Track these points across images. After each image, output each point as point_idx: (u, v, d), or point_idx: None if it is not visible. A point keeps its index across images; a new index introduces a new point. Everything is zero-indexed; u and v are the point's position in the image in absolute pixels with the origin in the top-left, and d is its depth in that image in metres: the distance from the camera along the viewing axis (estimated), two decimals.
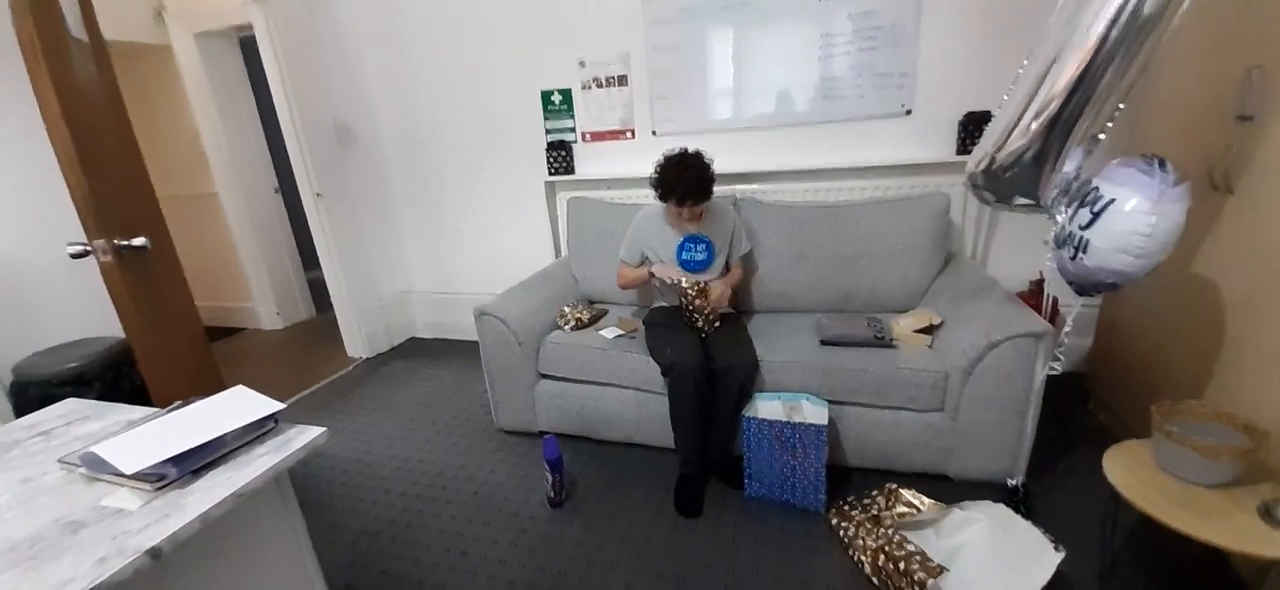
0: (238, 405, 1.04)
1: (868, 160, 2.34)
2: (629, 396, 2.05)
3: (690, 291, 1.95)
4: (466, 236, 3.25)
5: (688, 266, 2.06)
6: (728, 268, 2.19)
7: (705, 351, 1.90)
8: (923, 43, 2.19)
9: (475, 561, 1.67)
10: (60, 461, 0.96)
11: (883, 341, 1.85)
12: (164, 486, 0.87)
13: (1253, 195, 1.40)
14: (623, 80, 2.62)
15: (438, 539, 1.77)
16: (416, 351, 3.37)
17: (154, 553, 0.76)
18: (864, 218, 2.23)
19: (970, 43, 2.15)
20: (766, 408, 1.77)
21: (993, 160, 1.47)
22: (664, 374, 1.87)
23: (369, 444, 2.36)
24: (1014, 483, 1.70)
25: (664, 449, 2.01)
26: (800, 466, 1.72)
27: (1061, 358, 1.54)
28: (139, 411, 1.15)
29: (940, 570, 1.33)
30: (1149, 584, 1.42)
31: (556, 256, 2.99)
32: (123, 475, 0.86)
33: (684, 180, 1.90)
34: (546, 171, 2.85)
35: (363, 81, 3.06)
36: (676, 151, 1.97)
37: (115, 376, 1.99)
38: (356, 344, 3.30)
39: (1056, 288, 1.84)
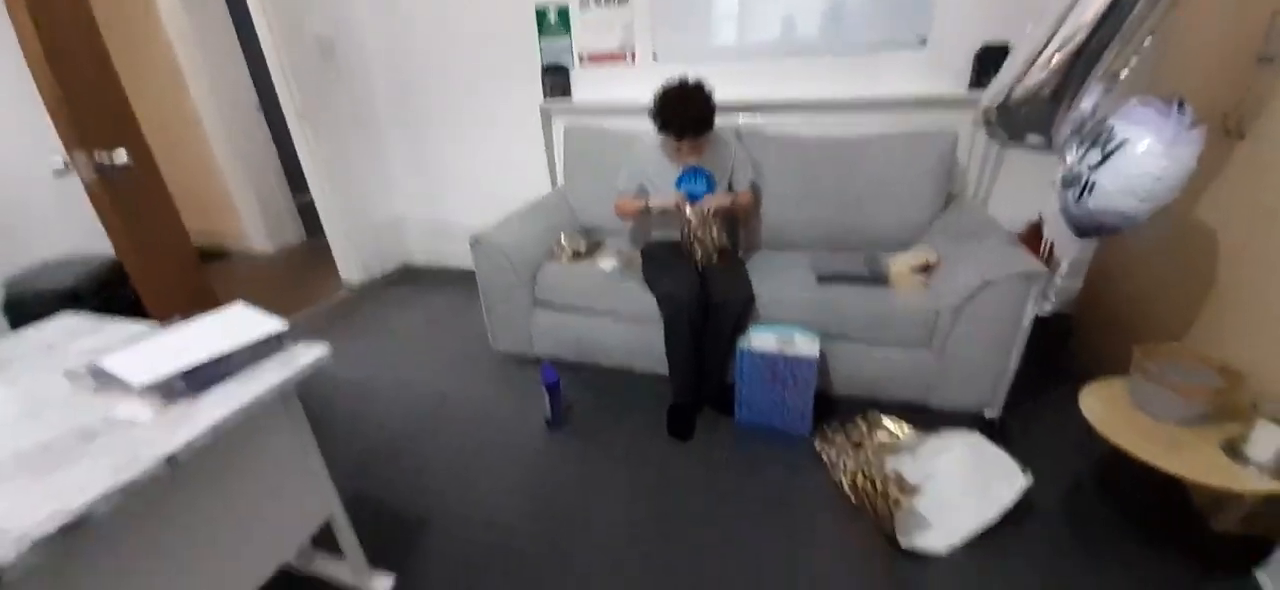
0: (240, 322, 1.05)
1: (877, 93, 2.27)
2: (625, 326, 2.08)
3: (691, 220, 1.93)
4: (460, 162, 3.16)
5: (689, 198, 2.03)
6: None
7: (702, 285, 1.91)
8: None
9: (476, 475, 1.74)
10: (66, 373, 0.97)
11: (878, 279, 1.87)
12: (174, 399, 0.88)
13: (1265, 141, 1.39)
14: None
15: (439, 455, 1.84)
16: (411, 278, 3.37)
17: (171, 460, 0.78)
18: (868, 153, 2.20)
19: None
20: (760, 340, 1.80)
21: (1009, 96, 1.43)
22: (660, 306, 1.89)
23: (368, 366, 2.39)
24: (991, 415, 1.77)
25: (658, 376, 2.06)
26: (790, 396, 1.77)
27: (1052, 299, 1.57)
28: (139, 326, 1.15)
29: (914, 490, 1.40)
30: (1110, 511, 1.51)
31: (553, 185, 2.94)
32: (132, 387, 0.87)
33: (684, 114, 1.85)
34: (542, 95, 2.75)
35: None
36: (676, 81, 1.90)
37: (109, 294, 1.98)
38: (351, 269, 3.28)
39: (1055, 230, 1.85)
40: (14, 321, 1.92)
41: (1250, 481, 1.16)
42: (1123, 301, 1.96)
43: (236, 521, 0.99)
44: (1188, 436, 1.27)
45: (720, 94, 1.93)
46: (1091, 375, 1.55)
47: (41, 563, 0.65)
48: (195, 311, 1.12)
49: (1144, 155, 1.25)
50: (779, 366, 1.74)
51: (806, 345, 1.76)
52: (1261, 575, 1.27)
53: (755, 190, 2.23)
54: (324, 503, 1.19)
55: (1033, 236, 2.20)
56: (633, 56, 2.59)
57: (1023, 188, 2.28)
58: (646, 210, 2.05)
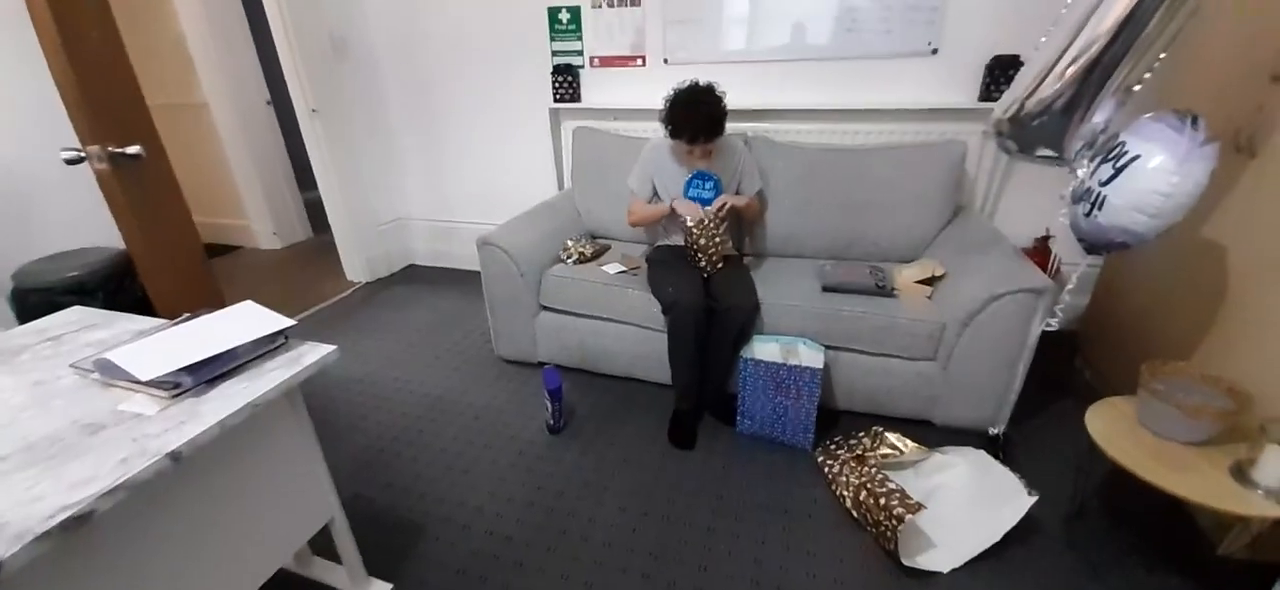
0: (247, 320, 1.05)
1: (887, 102, 2.26)
2: (629, 332, 2.08)
3: (694, 231, 1.93)
4: (467, 163, 3.18)
5: (696, 203, 2.03)
6: None
7: (707, 291, 1.91)
8: None
9: (476, 478, 1.74)
10: (73, 367, 0.97)
11: (884, 291, 1.87)
12: (179, 394, 0.89)
13: (1276, 159, 1.38)
14: (635, 0, 2.50)
15: (439, 457, 1.84)
16: (416, 278, 3.38)
17: (175, 455, 0.78)
18: (877, 163, 2.19)
19: None
20: (763, 349, 1.80)
21: (1021, 107, 1.43)
22: (664, 311, 1.88)
23: (372, 365, 2.40)
24: (995, 431, 1.76)
25: (661, 384, 2.06)
26: (793, 407, 1.77)
27: (1058, 315, 1.56)
28: (148, 321, 1.16)
29: (918, 507, 1.39)
30: (1113, 529, 1.50)
31: (560, 188, 2.95)
32: (139, 382, 0.88)
33: (695, 118, 1.86)
34: (552, 97, 2.76)
35: None
36: (687, 85, 1.91)
37: (118, 287, 1.99)
38: (356, 268, 3.29)
39: (1063, 245, 1.84)
40: (21, 313, 1.94)
41: (1257, 506, 1.14)
42: (1130, 319, 1.95)
43: (239, 521, 0.99)
44: (1195, 458, 1.26)
45: (730, 99, 1.93)
46: (1097, 393, 1.54)
47: (44, 554, 0.65)
48: (201, 306, 1.12)
49: (1155, 171, 1.23)
50: (782, 376, 1.73)
51: (810, 356, 1.76)
52: None
53: (762, 199, 2.24)
54: (325, 505, 1.19)
55: (1040, 251, 2.19)
56: (643, 60, 2.59)
57: (1031, 201, 2.28)
58: (671, 214, 2.03)
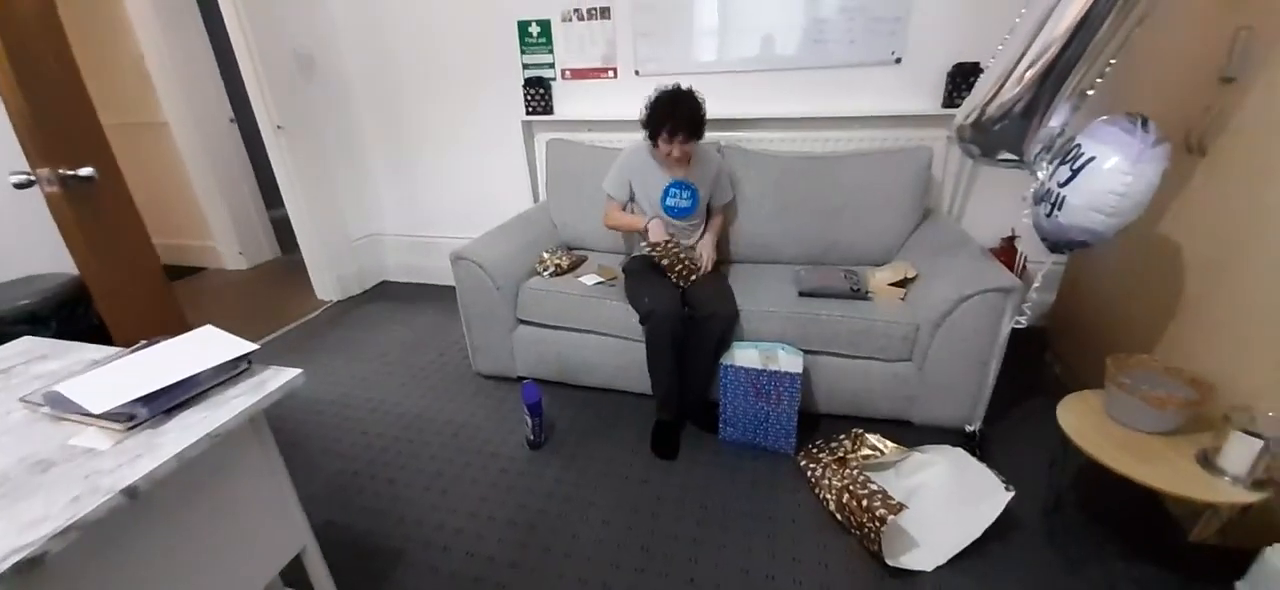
0: (207, 345, 1.01)
1: (854, 110, 2.31)
2: (608, 343, 2.06)
3: (654, 251, 1.96)
4: (440, 177, 3.14)
5: (672, 213, 2.04)
6: (710, 213, 2.18)
7: (684, 300, 1.91)
8: None
9: (455, 499, 1.70)
10: (22, 401, 0.92)
11: (859, 294, 1.89)
12: (135, 426, 0.84)
13: (1225, 158, 1.45)
14: (605, 13, 2.51)
15: (418, 478, 1.79)
16: (389, 295, 3.31)
17: (130, 492, 0.74)
18: (847, 170, 2.23)
19: None
20: (743, 356, 1.80)
21: (983, 112, 1.47)
22: (641, 322, 1.88)
23: (344, 386, 2.33)
24: (971, 429, 1.79)
25: (642, 395, 2.04)
26: (774, 412, 1.77)
27: (1026, 312, 1.60)
28: (101, 350, 1.10)
29: (899, 507, 1.40)
30: (1089, 521, 1.53)
31: (535, 201, 2.93)
32: (91, 415, 0.83)
33: (676, 115, 1.88)
34: (524, 110, 2.75)
35: (324, 3, 2.85)
36: (670, 87, 1.93)
37: (71, 315, 1.90)
38: (326, 286, 3.21)
39: (1029, 245, 1.89)
40: None
41: (1224, 493, 1.18)
42: (1095, 314, 2.01)
43: (202, 556, 0.94)
44: (1162, 447, 1.30)
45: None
46: (1067, 387, 1.58)
47: None
48: (162, 332, 1.07)
49: (1110, 172, 1.28)
50: (762, 382, 1.74)
51: (789, 361, 1.76)
52: (1242, 586, 1.28)
53: (732, 209, 2.28)
54: (295, 535, 1.14)
55: (1007, 251, 2.25)
56: (614, 71, 2.60)
57: (996, 203, 2.34)
58: (640, 232, 2.06)
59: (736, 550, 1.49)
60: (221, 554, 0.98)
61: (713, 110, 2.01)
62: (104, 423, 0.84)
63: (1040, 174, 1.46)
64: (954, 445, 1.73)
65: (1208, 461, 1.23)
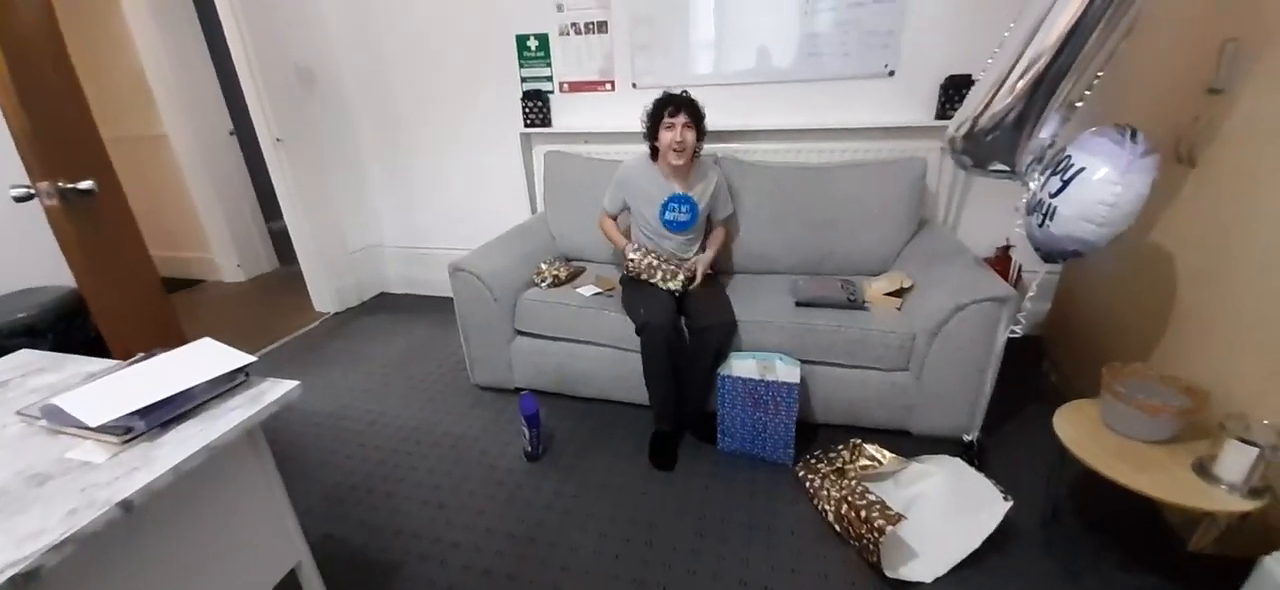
0: (205, 358, 1.01)
1: (848, 122, 2.34)
2: (606, 354, 2.06)
3: (639, 265, 2.00)
4: (439, 189, 3.15)
5: (670, 227, 2.05)
6: (708, 226, 2.19)
7: (682, 310, 1.91)
8: (910, 0, 2.17)
9: (453, 512, 1.69)
10: (19, 414, 0.92)
11: (855, 304, 1.90)
12: (131, 439, 0.84)
13: (1214, 168, 1.46)
14: (602, 27, 2.53)
15: (415, 491, 1.78)
16: (388, 307, 3.31)
17: (126, 505, 0.74)
18: (842, 180, 2.25)
19: (958, 1, 2.14)
20: (740, 366, 1.81)
21: (975, 124, 1.49)
22: (638, 332, 1.88)
23: (342, 399, 2.33)
24: (969, 438, 1.79)
25: (640, 406, 2.04)
26: (771, 423, 1.77)
27: (1022, 321, 1.61)
28: (98, 363, 1.11)
29: (898, 518, 1.40)
30: (1087, 531, 1.53)
31: (533, 212, 2.94)
32: (87, 428, 0.83)
33: (677, 98, 1.95)
34: (522, 123, 2.77)
35: (323, 18, 2.88)
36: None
37: (68, 327, 1.90)
38: (325, 298, 3.22)
39: (1023, 254, 1.91)
40: None
41: (1221, 502, 1.18)
42: (1090, 323, 2.02)
43: (198, 570, 0.94)
44: (1159, 456, 1.30)
45: None
46: (1064, 396, 1.58)
47: None
48: (161, 345, 1.08)
49: (1099, 182, 1.29)
50: (760, 392, 1.74)
51: (787, 371, 1.77)
52: None
53: (733, 223, 2.30)
54: (291, 548, 1.14)
55: (1001, 260, 2.27)
56: (612, 84, 2.62)
57: (990, 213, 2.36)
58: (624, 251, 2.10)
59: (735, 562, 1.48)
60: (217, 568, 0.98)
61: (709, 122, 2.03)
62: (100, 436, 0.84)
63: (1032, 185, 1.47)
64: (952, 455, 1.73)
65: (1204, 470, 1.23)
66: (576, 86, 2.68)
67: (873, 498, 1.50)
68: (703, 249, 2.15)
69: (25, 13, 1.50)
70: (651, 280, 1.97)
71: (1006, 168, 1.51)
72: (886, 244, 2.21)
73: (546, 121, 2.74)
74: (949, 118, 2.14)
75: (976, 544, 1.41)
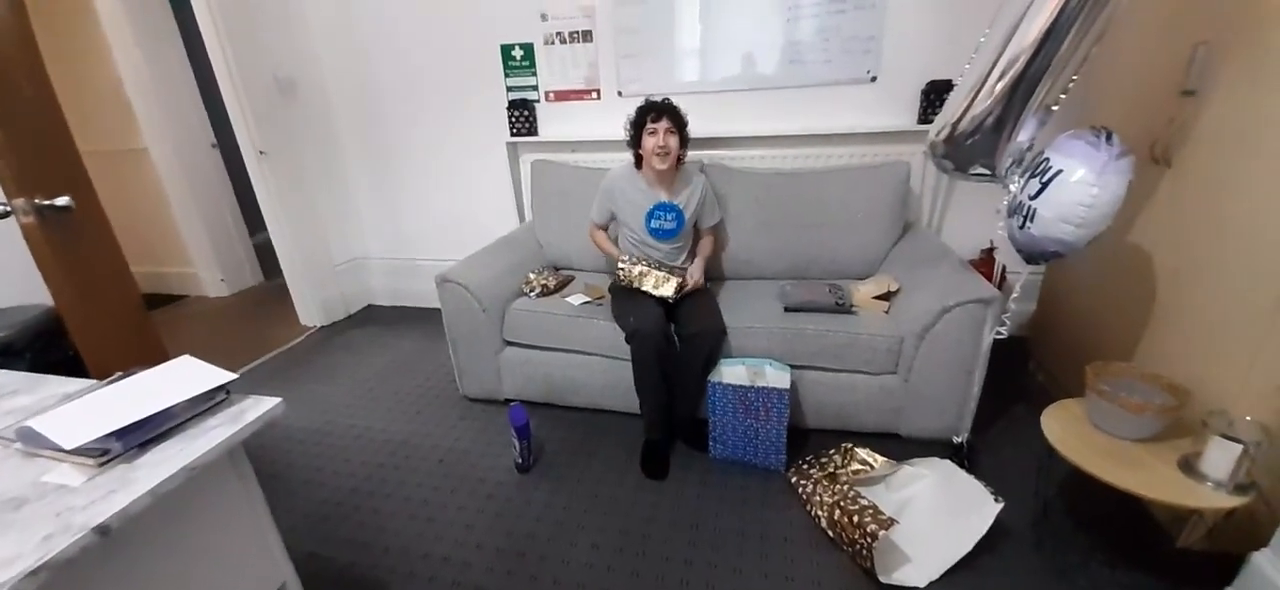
0: (185, 376, 0.99)
1: (832, 127, 2.36)
2: (596, 363, 2.06)
3: (630, 275, 1.98)
4: (425, 200, 3.13)
5: (657, 235, 2.05)
6: (697, 234, 2.20)
7: (671, 318, 1.91)
8: (890, 7, 2.20)
9: (442, 527, 1.67)
10: None
11: (843, 308, 1.91)
12: (108, 461, 0.82)
13: (1188, 168, 1.49)
14: (587, 36, 2.54)
15: (403, 506, 1.76)
16: (375, 319, 3.28)
17: (102, 529, 0.72)
18: (828, 185, 2.27)
19: (937, 7, 2.17)
20: (731, 373, 1.81)
21: (955, 127, 1.51)
22: (627, 340, 1.87)
23: (328, 414, 2.29)
24: (959, 440, 1.80)
25: (631, 414, 2.03)
26: (763, 429, 1.77)
27: (1007, 322, 1.63)
28: (76, 383, 1.08)
29: (890, 522, 1.40)
30: (1077, 530, 1.54)
31: (520, 221, 2.93)
32: (63, 450, 0.81)
33: (660, 104, 1.96)
34: (508, 132, 2.76)
35: (306, 28, 2.86)
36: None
37: (46, 347, 1.85)
38: (310, 312, 3.18)
39: (1006, 256, 1.93)
40: None
41: (1207, 498, 1.19)
42: (1074, 323, 2.05)
43: None
44: (1145, 454, 1.32)
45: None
46: (1051, 396, 1.60)
47: None
48: (141, 363, 1.05)
49: (1077, 184, 1.32)
50: (751, 398, 1.74)
51: (777, 376, 1.77)
52: None
53: (722, 231, 2.30)
54: (275, 569, 1.11)
55: (986, 262, 2.29)
56: (598, 92, 2.63)
57: (974, 215, 2.39)
58: (616, 259, 2.08)
59: (728, 570, 1.47)
60: None
61: (695, 129, 2.04)
62: (76, 458, 0.82)
63: (1012, 187, 1.49)
64: (942, 457, 1.74)
65: (1190, 467, 1.24)
66: (562, 95, 2.68)
67: (865, 502, 1.50)
68: (692, 256, 2.16)
69: (3, 39, 1.47)
70: (643, 288, 1.96)
71: (987, 170, 1.53)
72: (873, 248, 2.23)
73: (533, 130, 2.74)
74: (931, 122, 2.16)
75: (969, 547, 1.42)
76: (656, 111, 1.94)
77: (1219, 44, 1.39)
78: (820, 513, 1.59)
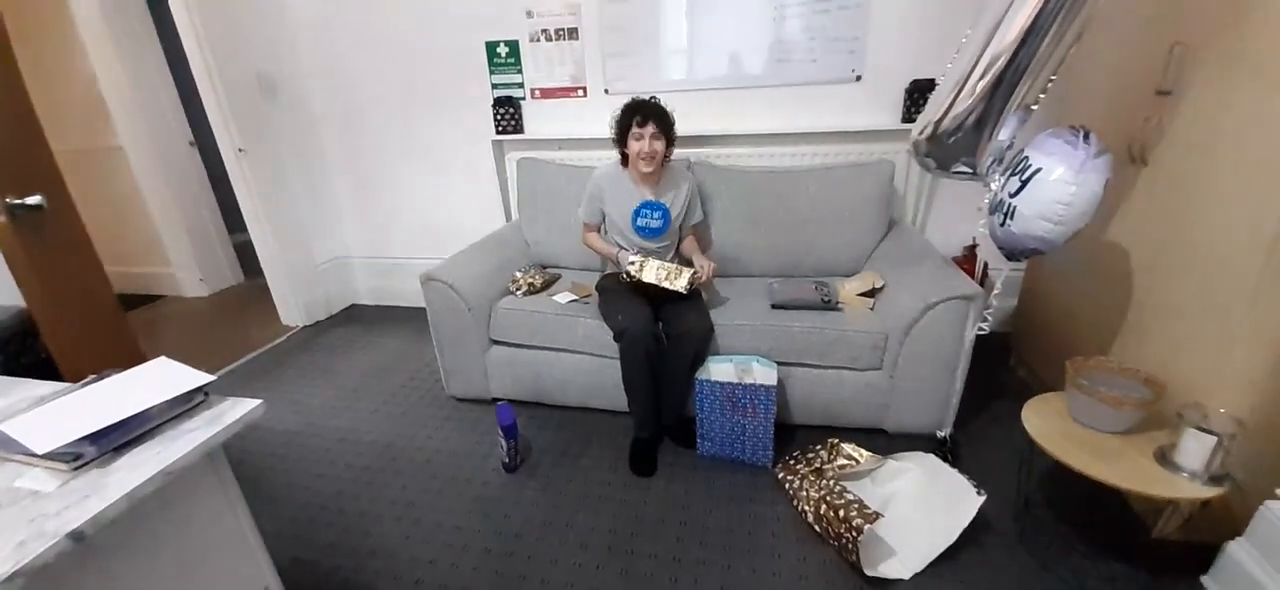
0: (161, 378, 0.97)
1: (818, 126, 2.37)
2: (584, 361, 2.05)
3: (627, 278, 1.94)
4: (410, 198, 3.10)
5: (642, 233, 2.05)
6: (681, 235, 2.19)
7: (659, 316, 1.91)
8: (874, 7, 2.22)
9: (429, 528, 1.65)
10: None
11: (830, 305, 1.92)
12: (82, 466, 0.80)
13: (1164, 166, 1.53)
14: (573, 34, 2.53)
15: (389, 509, 1.74)
16: (359, 319, 3.23)
17: (76, 535, 0.70)
18: (813, 184, 2.28)
19: (920, 8, 2.19)
20: (718, 370, 1.81)
21: (937, 126, 1.52)
22: (616, 339, 1.87)
23: (311, 415, 2.26)
24: (943, 434, 1.83)
25: (619, 413, 2.03)
26: (750, 425, 1.78)
27: (989, 318, 1.65)
28: (47, 386, 1.05)
29: (876, 516, 1.42)
30: (1057, 521, 1.57)
31: (507, 220, 2.91)
32: (35, 455, 0.79)
33: (645, 106, 1.93)
34: (494, 130, 2.74)
35: (286, 24, 2.81)
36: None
37: (18, 350, 1.80)
38: (293, 312, 3.13)
39: (988, 253, 1.95)
40: None
41: (1182, 489, 1.22)
42: (1055, 318, 2.08)
43: None
44: (1122, 447, 1.34)
45: None
46: (1032, 391, 1.63)
47: None
48: (115, 365, 1.03)
49: (1056, 182, 1.34)
50: (738, 395, 1.75)
51: (764, 373, 1.78)
52: (1208, 582, 1.33)
53: (705, 229, 2.31)
54: (257, 575, 1.09)
55: (968, 259, 2.33)
56: (584, 90, 2.62)
57: (956, 213, 2.42)
58: (613, 257, 2.07)
59: (717, 567, 1.48)
60: None
61: (681, 127, 2.04)
62: (49, 463, 0.80)
63: (993, 185, 1.51)
64: (926, 451, 1.76)
65: (1166, 459, 1.27)
66: (548, 93, 2.67)
67: (851, 496, 1.51)
68: (677, 255, 2.16)
69: None
70: (657, 283, 1.88)
71: (969, 169, 1.55)
72: (858, 245, 2.25)
73: (519, 128, 2.72)
74: (914, 121, 2.19)
75: (952, 539, 1.44)
76: (643, 115, 1.91)
77: (1194, 45, 1.42)
78: (806, 507, 1.60)
